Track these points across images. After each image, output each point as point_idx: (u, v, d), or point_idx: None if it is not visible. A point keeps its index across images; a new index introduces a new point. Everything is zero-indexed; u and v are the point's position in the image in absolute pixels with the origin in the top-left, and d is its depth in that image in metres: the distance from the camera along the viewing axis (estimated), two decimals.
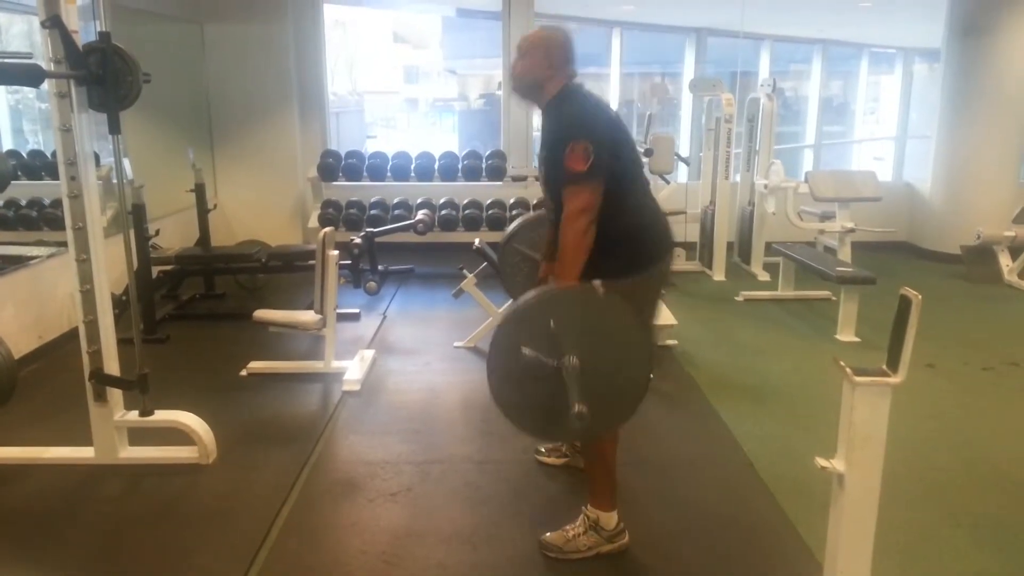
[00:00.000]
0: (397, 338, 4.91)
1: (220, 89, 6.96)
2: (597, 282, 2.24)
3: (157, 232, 5.15)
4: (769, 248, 6.34)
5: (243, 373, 4.17)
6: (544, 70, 2.42)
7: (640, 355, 2.11)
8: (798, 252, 5.63)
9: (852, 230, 5.77)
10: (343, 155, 7.08)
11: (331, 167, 6.95)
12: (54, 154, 2.88)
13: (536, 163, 2.52)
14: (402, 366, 4.38)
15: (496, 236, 6.26)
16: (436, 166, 7.07)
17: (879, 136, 12.33)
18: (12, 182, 4.27)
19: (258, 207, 7.12)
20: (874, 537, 2.03)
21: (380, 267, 5.60)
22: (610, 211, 2.30)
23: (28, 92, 5.39)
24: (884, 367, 1.93)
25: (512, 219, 6.71)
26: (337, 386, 3.99)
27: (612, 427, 2.25)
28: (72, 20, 2.73)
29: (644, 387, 2.14)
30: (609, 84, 9.52)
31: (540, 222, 3.33)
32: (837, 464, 2.00)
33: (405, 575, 2.45)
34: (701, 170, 6.92)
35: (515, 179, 6.96)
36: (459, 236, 6.57)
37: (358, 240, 5.40)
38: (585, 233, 2.26)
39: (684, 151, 8.00)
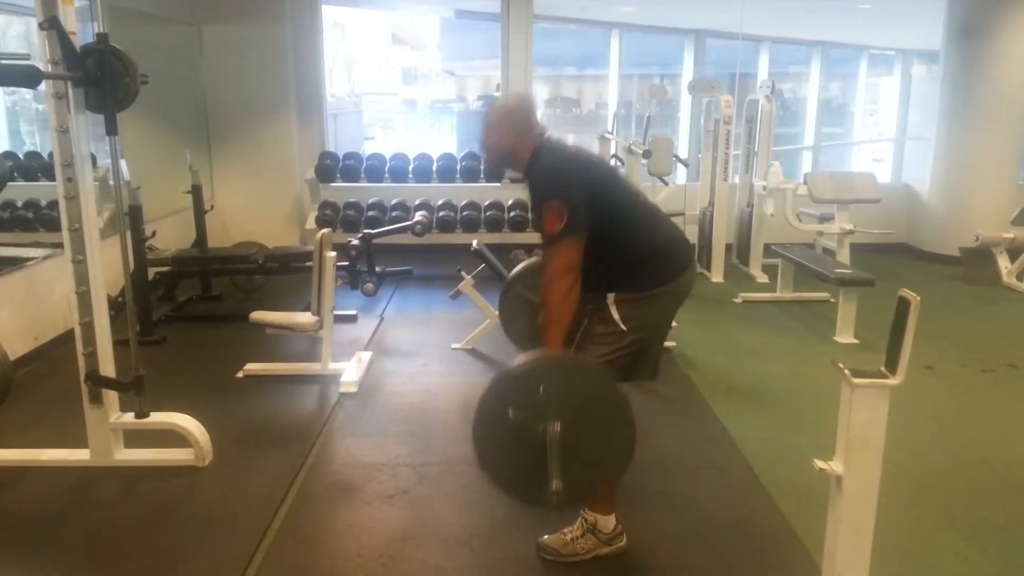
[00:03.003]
0: (394, 340, 4.90)
1: (218, 90, 6.95)
2: (611, 296, 2.38)
3: (154, 233, 5.14)
4: (768, 250, 6.34)
5: (240, 375, 4.16)
6: (511, 139, 2.45)
7: (623, 427, 2.15)
8: (797, 254, 5.63)
9: (851, 232, 5.77)
10: (341, 156, 7.08)
11: (329, 168, 6.95)
12: (51, 155, 2.87)
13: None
14: (399, 368, 4.37)
15: (494, 237, 6.29)
16: (434, 167, 7.07)
17: (878, 138, 12.33)
18: (8, 183, 4.28)
19: (255, 208, 7.11)
20: (872, 539, 2.03)
21: (377, 268, 5.59)
22: (612, 243, 2.36)
23: (25, 93, 5.38)
24: (883, 369, 1.92)
25: (510, 221, 6.73)
26: (334, 388, 3.98)
27: (592, 492, 2.29)
28: (70, 21, 2.73)
29: (627, 457, 2.19)
30: (608, 85, 9.52)
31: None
32: (835, 466, 2.00)
33: None
34: (700, 171, 6.92)
35: (513, 180, 6.92)
36: (457, 237, 6.57)
37: (356, 241, 5.39)
38: (568, 293, 2.28)
39: (683, 153, 8.01)
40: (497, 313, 3.26)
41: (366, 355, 4.38)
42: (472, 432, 2.14)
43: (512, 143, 2.46)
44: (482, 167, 6.99)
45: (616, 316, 2.39)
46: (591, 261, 2.35)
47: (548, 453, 2.04)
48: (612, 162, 6.49)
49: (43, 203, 5.03)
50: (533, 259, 3.01)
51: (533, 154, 2.44)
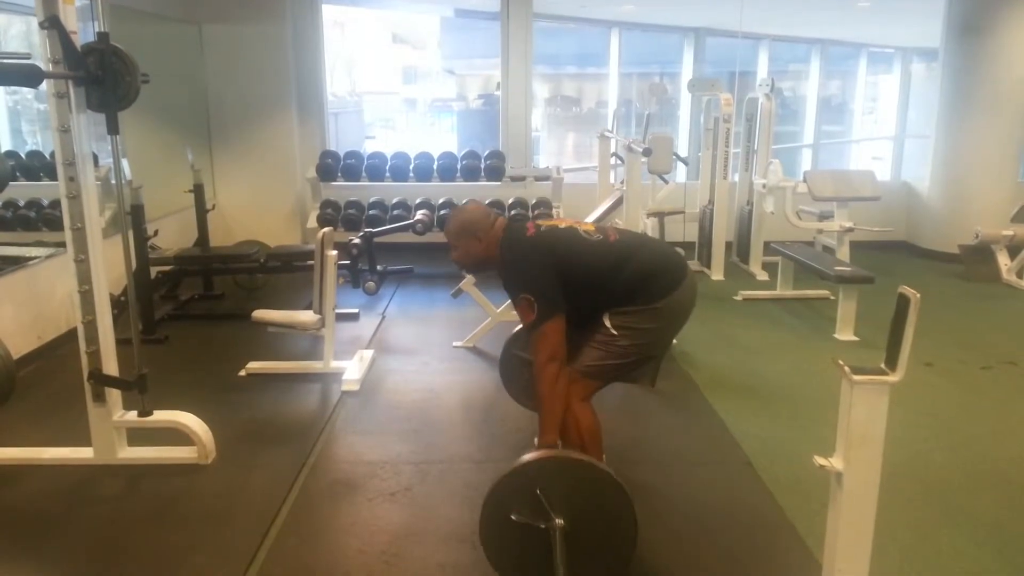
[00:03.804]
0: (396, 338, 4.91)
1: (219, 89, 6.96)
2: (607, 312, 2.51)
3: (156, 232, 5.15)
4: (768, 247, 6.34)
5: (242, 373, 4.17)
6: (477, 246, 2.63)
7: (625, 515, 2.19)
8: (797, 251, 5.64)
9: (850, 229, 5.78)
10: (342, 155, 7.08)
11: (330, 167, 6.95)
12: (52, 155, 2.88)
13: None
14: (401, 366, 4.38)
15: None
16: (435, 166, 7.07)
17: (877, 136, 12.33)
18: (10, 183, 4.29)
19: (257, 207, 7.12)
20: (872, 535, 2.04)
21: (379, 267, 5.59)
22: (594, 292, 2.51)
23: (27, 93, 5.39)
24: (883, 366, 1.93)
25: (511, 220, 6.72)
26: (336, 386, 3.99)
27: None
28: (70, 21, 2.73)
29: (631, 544, 2.23)
30: (608, 84, 9.53)
31: None
32: (836, 463, 2.01)
33: (404, 575, 2.45)
34: (700, 170, 6.92)
35: (513, 179, 6.97)
36: None
37: (357, 240, 5.39)
38: (556, 381, 2.42)
39: (683, 151, 8.01)
40: (500, 376, 3.45)
41: (368, 353, 4.39)
42: (479, 534, 2.23)
43: (480, 249, 2.63)
44: (482, 164, 7.00)
45: (608, 324, 2.51)
46: (582, 308, 2.51)
47: (553, 555, 2.12)
48: (612, 160, 6.51)
49: (45, 202, 5.04)
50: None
51: (498, 252, 2.59)
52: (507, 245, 2.59)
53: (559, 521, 2.14)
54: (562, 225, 2.68)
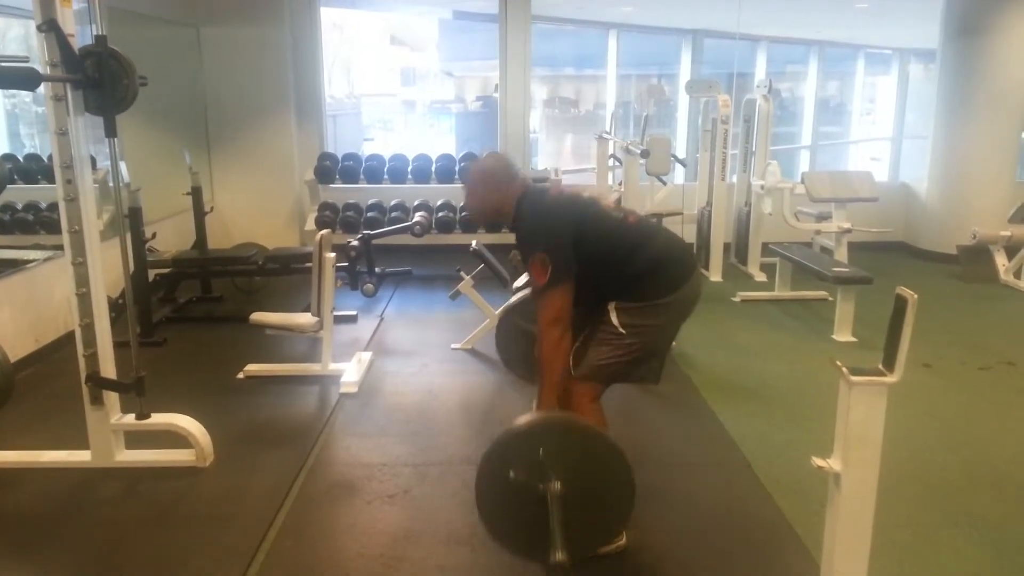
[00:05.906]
0: (394, 340, 4.91)
1: (217, 92, 6.96)
2: (612, 304, 2.45)
3: (154, 235, 5.14)
4: (766, 249, 6.35)
5: (240, 376, 4.17)
6: (494, 197, 2.56)
7: (622, 480, 2.18)
8: (795, 253, 5.64)
9: (848, 230, 5.78)
10: (340, 157, 7.09)
11: (328, 169, 6.95)
12: (50, 158, 2.88)
13: None
14: (399, 368, 4.38)
15: (493, 238, 6.29)
16: (433, 168, 7.08)
17: (875, 137, 12.35)
18: (8, 186, 4.29)
19: (255, 210, 7.12)
20: (871, 537, 2.04)
21: (377, 269, 5.60)
22: (606, 269, 2.45)
23: (24, 96, 5.39)
24: (880, 367, 1.93)
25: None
26: (334, 388, 3.98)
27: (594, 549, 2.33)
28: (68, 24, 2.73)
29: (627, 511, 2.23)
30: (606, 86, 9.54)
31: None
32: (834, 464, 2.01)
33: None
34: (698, 171, 6.93)
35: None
36: (456, 238, 6.58)
37: (355, 242, 5.40)
38: (559, 343, 2.37)
39: (681, 152, 8.02)
40: (495, 344, 3.36)
41: (366, 355, 4.39)
42: (475, 490, 2.20)
43: (495, 201, 2.56)
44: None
45: (615, 321, 2.45)
46: (588, 288, 2.44)
47: (550, 516, 2.09)
48: (610, 162, 6.52)
49: (43, 205, 5.03)
50: (527, 291, 3.10)
51: (516, 206, 2.53)
52: (529, 201, 2.52)
53: (556, 485, 2.09)
54: (585, 194, 2.61)
